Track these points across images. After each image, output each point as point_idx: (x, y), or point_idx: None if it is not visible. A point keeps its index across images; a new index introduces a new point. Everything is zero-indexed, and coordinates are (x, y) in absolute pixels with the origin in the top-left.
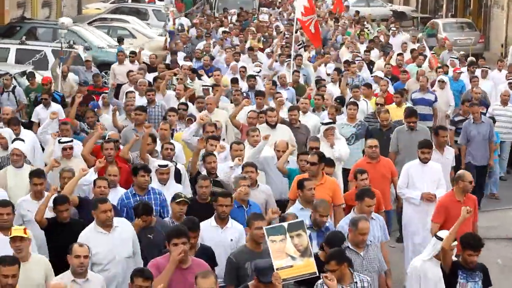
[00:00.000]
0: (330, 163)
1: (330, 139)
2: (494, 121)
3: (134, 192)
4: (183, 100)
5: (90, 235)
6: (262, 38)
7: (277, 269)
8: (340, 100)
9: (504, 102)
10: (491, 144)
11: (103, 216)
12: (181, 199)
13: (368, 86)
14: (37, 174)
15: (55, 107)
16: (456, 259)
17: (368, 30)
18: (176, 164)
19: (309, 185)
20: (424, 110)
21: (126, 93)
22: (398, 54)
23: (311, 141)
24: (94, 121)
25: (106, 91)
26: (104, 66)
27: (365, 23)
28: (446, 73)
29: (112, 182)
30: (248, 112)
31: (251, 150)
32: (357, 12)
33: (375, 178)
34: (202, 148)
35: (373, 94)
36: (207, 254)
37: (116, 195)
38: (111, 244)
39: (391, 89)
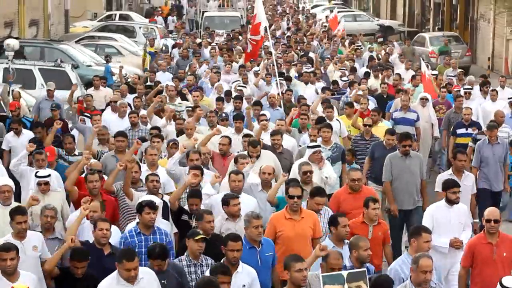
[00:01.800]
0: (322, 193)
1: (319, 163)
2: None
3: (138, 230)
4: (161, 123)
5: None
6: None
7: None
8: (319, 121)
9: (499, 124)
10: (506, 168)
11: (125, 274)
12: (200, 236)
13: (350, 105)
14: (19, 212)
15: (27, 134)
16: None
17: (360, 48)
18: (163, 196)
19: (343, 222)
20: (406, 130)
21: (91, 116)
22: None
23: (304, 166)
24: (73, 147)
25: (96, 114)
26: (92, 84)
27: (359, 41)
28: (450, 92)
29: (92, 219)
30: (220, 138)
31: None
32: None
33: (356, 210)
34: (192, 183)
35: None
36: None
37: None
38: None
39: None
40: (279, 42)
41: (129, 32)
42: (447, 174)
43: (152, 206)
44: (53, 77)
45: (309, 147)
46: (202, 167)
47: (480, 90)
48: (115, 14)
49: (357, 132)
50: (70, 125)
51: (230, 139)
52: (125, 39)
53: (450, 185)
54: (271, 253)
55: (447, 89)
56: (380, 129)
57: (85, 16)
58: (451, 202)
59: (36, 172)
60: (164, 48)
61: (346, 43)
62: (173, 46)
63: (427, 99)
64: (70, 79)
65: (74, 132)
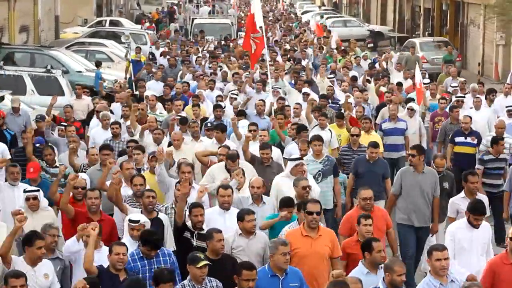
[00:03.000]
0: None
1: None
2: None
3: (141, 254)
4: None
5: None
6: (243, 65)
7: None
8: (300, 129)
9: (500, 134)
10: None
11: None
12: (203, 263)
13: (341, 116)
14: (39, 236)
15: (1, 148)
16: None
17: (359, 56)
18: (158, 213)
19: (378, 247)
20: (397, 141)
21: (65, 127)
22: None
23: (302, 181)
24: (53, 158)
25: (70, 125)
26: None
27: (351, 48)
28: (450, 100)
29: (86, 243)
30: (219, 148)
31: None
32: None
33: None
34: (187, 193)
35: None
36: None
37: (102, 255)
38: None
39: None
40: (272, 50)
41: (119, 38)
42: (459, 198)
43: (155, 246)
44: (44, 83)
45: (290, 159)
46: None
47: (486, 98)
48: (106, 20)
49: (345, 140)
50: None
51: (228, 148)
52: (115, 45)
53: (477, 212)
54: (297, 284)
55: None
56: (371, 138)
57: (75, 22)
58: (472, 225)
59: (24, 189)
60: (151, 56)
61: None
62: (160, 54)
63: (413, 110)
64: (60, 85)
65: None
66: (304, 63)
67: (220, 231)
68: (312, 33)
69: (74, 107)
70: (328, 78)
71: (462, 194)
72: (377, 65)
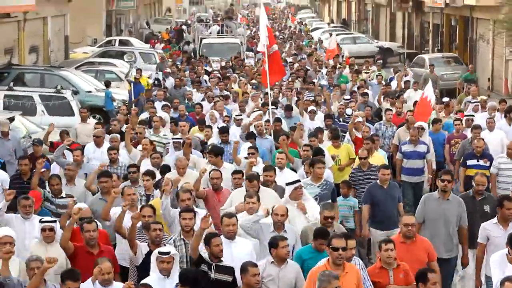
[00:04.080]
0: (351, 236)
1: (300, 202)
2: None
3: None
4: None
5: None
6: (253, 85)
7: None
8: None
9: (510, 155)
10: None
11: None
12: None
13: (336, 137)
14: (73, 276)
15: (2, 175)
16: None
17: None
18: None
19: (434, 279)
20: (416, 164)
21: (72, 150)
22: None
23: (326, 210)
24: (60, 188)
25: (77, 148)
26: (92, 110)
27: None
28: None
29: (106, 281)
30: (210, 172)
31: (244, 218)
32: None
33: (407, 261)
34: (207, 228)
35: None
36: None
37: None
38: None
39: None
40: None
41: None
42: (491, 223)
43: (194, 286)
44: (54, 104)
45: (288, 184)
46: (194, 208)
47: (505, 116)
48: (115, 40)
49: (345, 160)
50: (51, 156)
51: (221, 172)
52: (125, 65)
53: None
54: None
55: (462, 116)
56: (375, 158)
57: (85, 42)
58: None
59: (40, 219)
60: (156, 82)
61: (346, 71)
62: (163, 76)
63: (423, 129)
64: (70, 105)
65: (54, 166)
66: (315, 81)
67: (256, 265)
68: (324, 52)
69: (79, 130)
70: (344, 100)
71: (495, 219)
72: (394, 83)
